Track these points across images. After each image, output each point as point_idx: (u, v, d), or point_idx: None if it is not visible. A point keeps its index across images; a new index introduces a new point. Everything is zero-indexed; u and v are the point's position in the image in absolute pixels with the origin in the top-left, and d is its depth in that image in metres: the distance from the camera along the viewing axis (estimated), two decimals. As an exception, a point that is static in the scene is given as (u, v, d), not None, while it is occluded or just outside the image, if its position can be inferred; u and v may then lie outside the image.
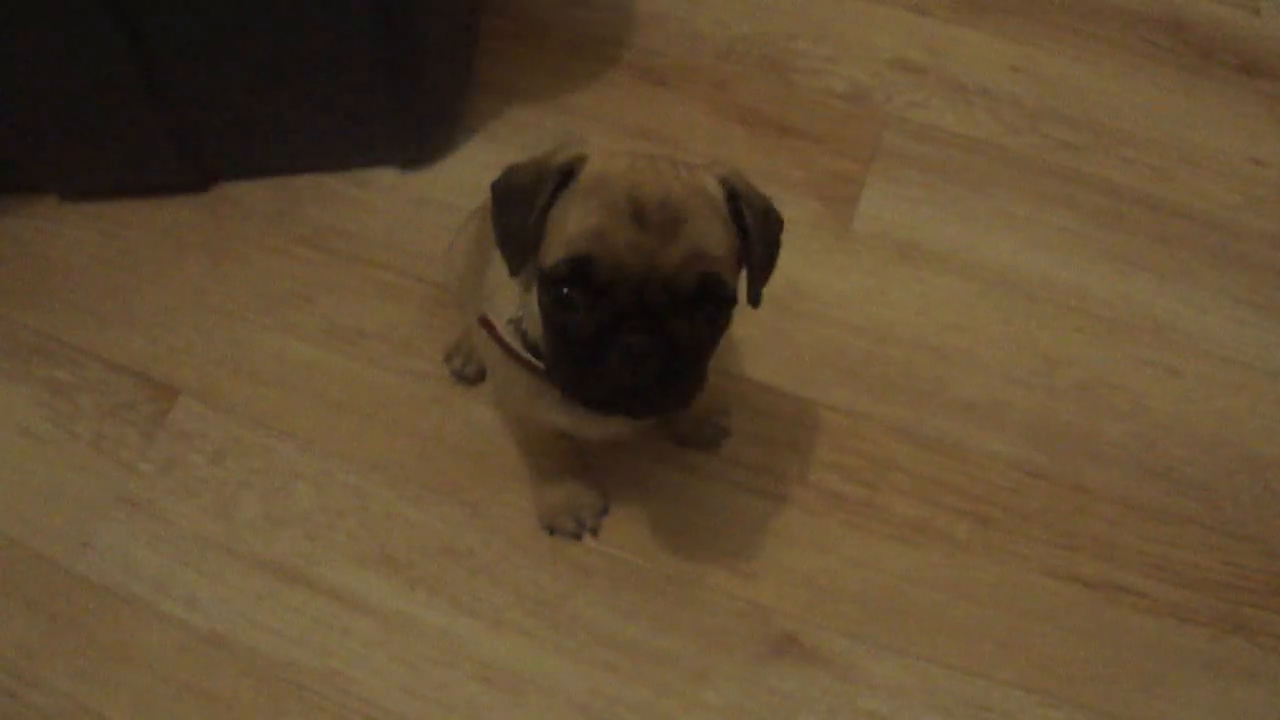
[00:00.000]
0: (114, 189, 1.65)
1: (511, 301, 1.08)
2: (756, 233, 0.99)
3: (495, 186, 1.01)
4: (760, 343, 1.52)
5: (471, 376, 1.48)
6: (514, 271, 0.99)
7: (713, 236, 0.94)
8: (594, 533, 1.38)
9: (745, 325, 1.53)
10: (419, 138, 1.67)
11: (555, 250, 0.94)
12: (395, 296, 1.56)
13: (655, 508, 1.41)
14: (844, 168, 1.69)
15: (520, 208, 0.97)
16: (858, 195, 1.66)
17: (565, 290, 0.94)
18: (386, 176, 1.68)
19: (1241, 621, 1.35)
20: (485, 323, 1.09)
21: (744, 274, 1.03)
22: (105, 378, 1.50)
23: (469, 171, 1.67)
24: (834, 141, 1.72)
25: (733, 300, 0.97)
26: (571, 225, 0.93)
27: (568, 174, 0.96)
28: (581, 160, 0.97)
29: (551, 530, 1.38)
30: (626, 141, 1.69)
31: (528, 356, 1.06)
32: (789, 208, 1.60)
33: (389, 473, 1.43)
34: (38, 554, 1.38)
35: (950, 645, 1.33)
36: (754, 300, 1.03)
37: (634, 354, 0.92)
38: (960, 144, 1.73)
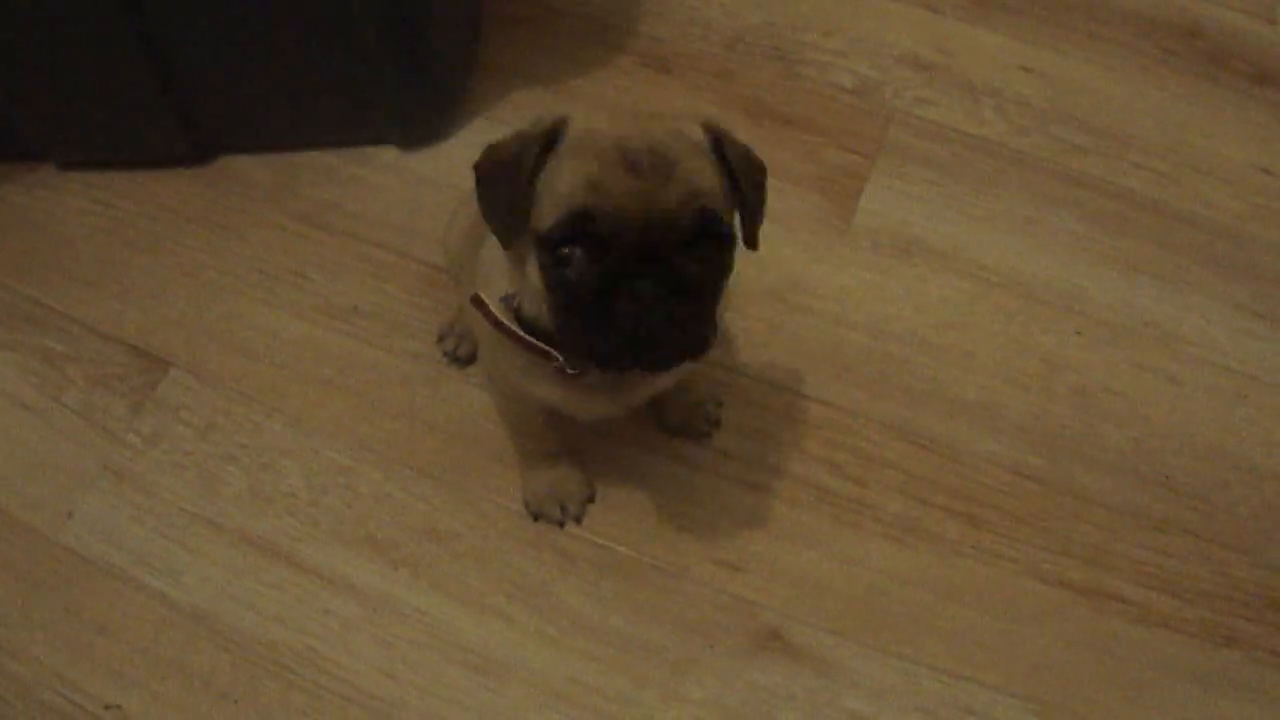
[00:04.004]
0: (113, 160, 1.64)
1: (505, 279, 1.07)
2: (743, 174, 1.00)
3: (478, 166, 1.01)
4: (756, 334, 1.51)
5: (464, 358, 1.47)
6: (507, 245, 0.99)
7: (704, 176, 0.95)
8: (578, 520, 1.37)
9: (742, 317, 1.52)
10: (421, 117, 1.66)
11: (551, 212, 0.94)
12: (391, 276, 1.55)
13: (643, 497, 1.40)
14: (848, 162, 1.68)
15: (506, 181, 0.97)
16: (861, 190, 1.65)
17: (565, 250, 0.93)
18: (387, 156, 1.67)
19: (1233, 634, 1.34)
20: (478, 301, 1.08)
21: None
22: (96, 348, 1.50)
23: (470, 153, 1.61)
24: (839, 135, 1.70)
25: (731, 239, 0.98)
26: (564, 183, 0.93)
27: (552, 138, 0.96)
28: (564, 122, 0.97)
29: (536, 516, 1.37)
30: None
31: (520, 333, 1.06)
32: (791, 200, 1.61)
33: (376, 453, 1.42)
34: (21, 522, 1.38)
35: (936, 647, 1.31)
36: (750, 242, 1.04)
37: (642, 299, 0.92)
38: (967, 142, 1.71)
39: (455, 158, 1.65)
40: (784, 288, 1.54)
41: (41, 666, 1.29)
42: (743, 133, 1.65)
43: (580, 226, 0.92)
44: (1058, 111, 1.76)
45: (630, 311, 0.93)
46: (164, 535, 1.37)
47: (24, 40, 1.42)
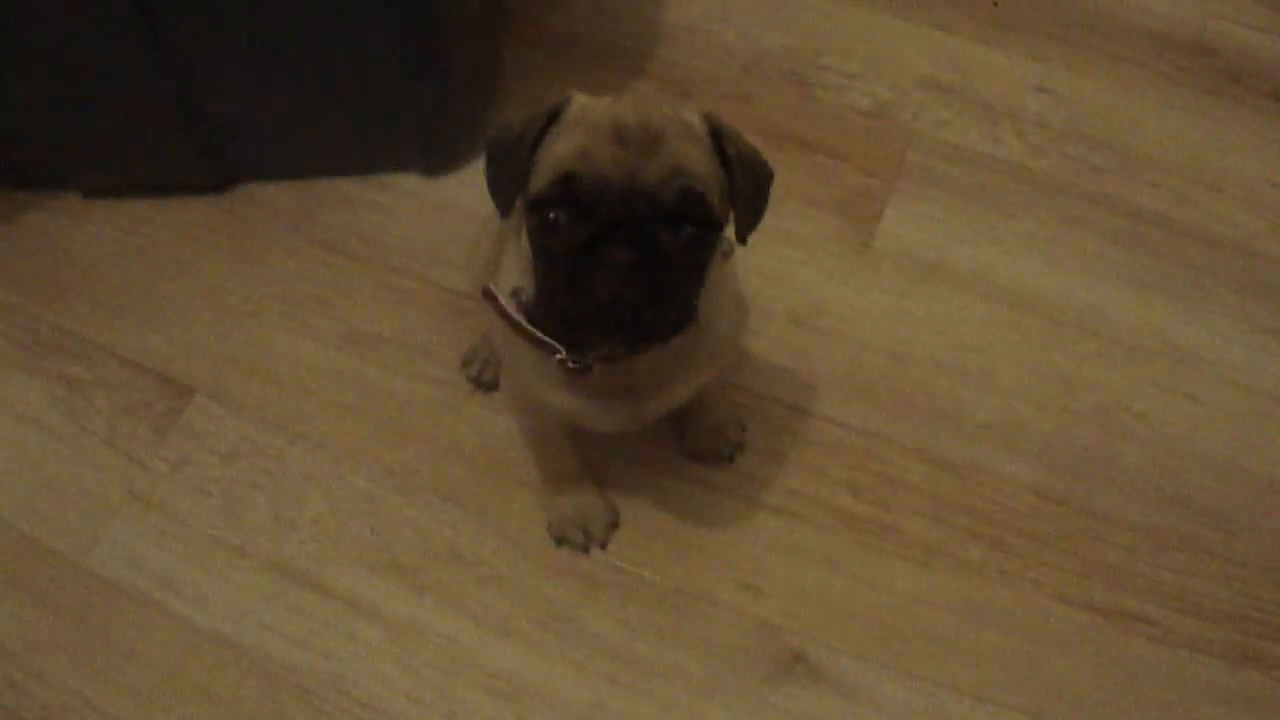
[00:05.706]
0: (137, 187, 1.66)
1: (516, 275, 1.09)
2: (740, 168, 1.01)
3: (489, 140, 1.04)
4: (777, 358, 1.52)
5: (489, 384, 1.48)
6: (503, 213, 1.03)
7: (693, 158, 0.96)
8: (602, 546, 1.37)
9: (762, 340, 1.52)
10: (442, 144, 1.67)
11: (542, 177, 0.96)
12: (413, 302, 1.56)
13: (666, 521, 1.40)
14: (867, 185, 1.68)
15: (510, 154, 1.00)
16: (880, 213, 1.65)
17: (551, 214, 0.95)
18: (408, 182, 1.68)
19: (1256, 653, 1.34)
20: (487, 294, 1.10)
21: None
22: (121, 375, 1.51)
23: (490, 179, 1.66)
24: (858, 158, 1.71)
25: (717, 224, 0.99)
26: (556, 151, 0.96)
27: (555, 114, 0.99)
28: (567, 100, 1.00)
29: (559, 541, 1.37)
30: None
31: (525, 324, 1.07)
32: (811, 223, 1.62)
33: (401, 478, 1.43)
34: (48, 548, 1.38)
35: (960, 669, 1.31)
36: (741, 238, 1.05)
37: (618, 267, 0.94)
38: (984, 164, 1.72)
39: (476, 183, 1.63)
40: (804, 311, 1.55)
41: (67, 692, 1.29)
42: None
43: (565, 188, 0.94)
44: (1074, 131, 1.76)
45: (606, 277, 0.94)
46: (189, 560, 1.37)
47: (48, 69, 1.44)
